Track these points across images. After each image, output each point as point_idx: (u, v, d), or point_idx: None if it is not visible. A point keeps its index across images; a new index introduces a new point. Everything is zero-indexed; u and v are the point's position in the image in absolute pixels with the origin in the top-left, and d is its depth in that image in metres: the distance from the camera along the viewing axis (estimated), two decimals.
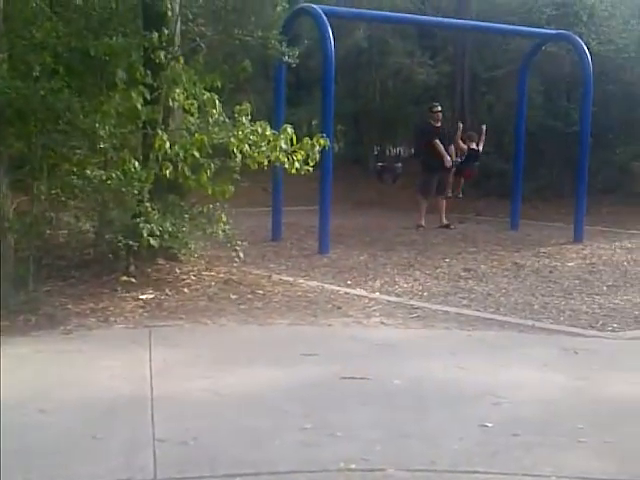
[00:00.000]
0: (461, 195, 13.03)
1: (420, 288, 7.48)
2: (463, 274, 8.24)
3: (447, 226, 11.84)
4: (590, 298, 7.16)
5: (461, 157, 12.55)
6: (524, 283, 7.84)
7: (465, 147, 12.54)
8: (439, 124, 12.00)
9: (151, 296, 6.43)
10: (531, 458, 3.49)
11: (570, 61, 13.96)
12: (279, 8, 8.18)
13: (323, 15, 9.22)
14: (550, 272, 8.48)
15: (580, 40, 11.51)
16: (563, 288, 7.61)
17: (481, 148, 12.72)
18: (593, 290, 7.53)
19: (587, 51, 11.14)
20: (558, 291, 7.46)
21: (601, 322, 6.27)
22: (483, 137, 12.79)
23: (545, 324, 6.17)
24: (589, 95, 11.04)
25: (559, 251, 9.88)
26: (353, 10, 11.82)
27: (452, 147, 12.09)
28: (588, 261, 9.24)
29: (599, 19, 15.52)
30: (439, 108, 12.15)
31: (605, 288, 7.65)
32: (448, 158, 11.76)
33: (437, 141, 11.76)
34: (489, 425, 3.85)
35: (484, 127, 12.95)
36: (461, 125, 12.99)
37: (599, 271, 8.58)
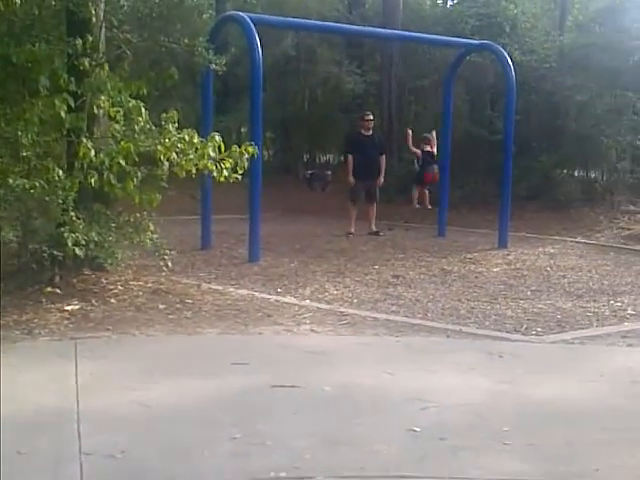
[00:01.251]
0: (430, 207, 12.91)
1: (350, 295, 7.54)
2: (392, 280, 8.33)
3: (376, 233, 11.95)
4: (515, 303, 7.33)
5: (418, 163, 12.45)
6: (451, 289, 7.98)
7: (419, 151, 12.47)
8: (370, 132, 12.11)
9: (77, 307, 6.31)
10: (458, 462, 3.56)
11: (494, 71, 14.29)
12: (206, 16, 8.20)
13: (250, 23, 9.19)
14: (476, 277, 8.65)
15: (503, 50, 11.78)
16: (489, 293, 7.77)
17: (435, 150, 12.71)
18: (517, 295, 7.71)
19: (510, 61, 11.40)
20: (484, 296, 7.61)
21: (525, 326, 6.43)
22: (435, 141, 12.81)
23: (471, 329, 6.29)
24: (512, 104, 11.31)
25: (485, 257, 10.09)
26: (281, 18, 11.81)
27: (383, 157, 12.14)
28: (513, 266, 9.45)
29: (521, 30, 15.92)
30: (370, 117, 12.25)
31: (529, 293, 7.84)
32: (352, 179, 11.83)
33: (349, 158, 11.91)
34: (417, 430, 3.90)
35: (434, 132, 13.00)
36: (410, 131, 12.95)
37: (523, 276, 8.78)
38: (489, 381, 4.81)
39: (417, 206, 12.16)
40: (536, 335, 6.17)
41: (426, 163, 12.48)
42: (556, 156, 14.92)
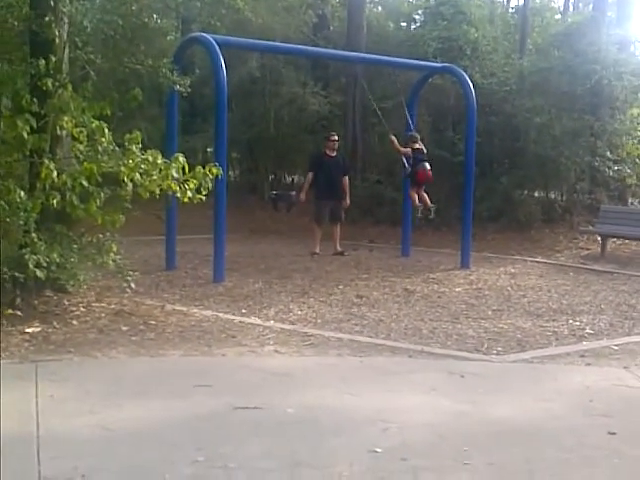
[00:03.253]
0: (432, 205, 11.58)
1: (314, 315, 7.56)
2: (356, 300, 8.38)
3: (341, 253, 12.01)
4: (476, 322, 7.42)
5: (408, 161, 11.64)
6: (414, 308, 8.05)
7: (409, 149, 11.46)
8: (335, 153, 12.21)
9: (38, 329, 6.25)
10: None
11: (455, 93, 14.49)
12: (170, 37, 8.18)
13: (215, 44, 9.24)
14: (439, 297, 8.74)
15: (464, 73, 11.98)
16: (451, 313, 7.85)
17: (424, 148, 11.63)
18: (479, 314, 7.80)
19: (471, 84, 11.59)
20: (446, 316, 7.69)
21: (486, 346, 6.51)
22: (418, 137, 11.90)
23: (433, 348, 6.35)
24: (473, 126, 11.48)
25: (447, 277, 10.19)
26: (246, 40, 11.86)
27: (347, 178, 12.21)
28: (474, 286, 9.56)
29: (482, 53, 16.20)
30: (335, 137, 12.35)
31: (490, 312, 7.94)
32: (304, 194, 12.03)
33: (310, 175, 12.11)
34: (379, 450, 3.94)
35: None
36: (393, 137, 12.05)
37: (485, 296, 8.89)
38: (450, 401, 4.86)
39: (419, 205, 11.41)
40: (497, 354, 6.25)
41: (418, 161, 11.57)
42: (517, 177, 15.14)
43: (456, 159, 13.90)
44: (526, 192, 15.94)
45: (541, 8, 24.61)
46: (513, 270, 11.00)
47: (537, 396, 5.08)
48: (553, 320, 7.61)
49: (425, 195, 11.61)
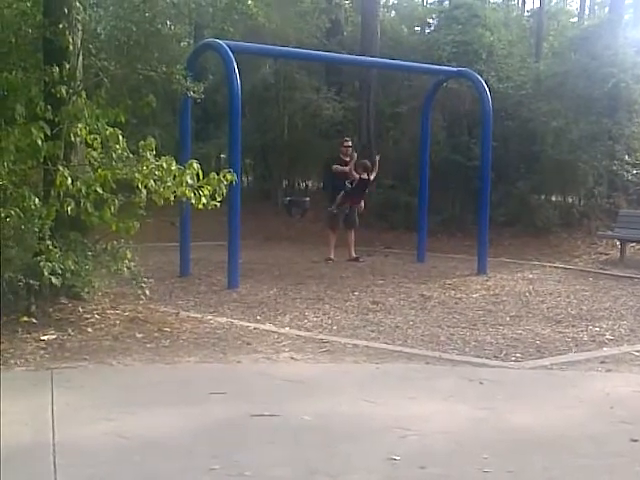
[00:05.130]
0: (336, 211, 12.18)
1: (329, 322, 7.51)
2: (372, 307, 8.32)
3: (356, 259, 11.96)
4: (494, 329, 7.34)
5: (351, 184, 12.26)
6: (431, 315, 7.97)
7: (357, 176, 12.22)
8: (349, 158, 12.17)
9: (53, 337, 6.24)
10: None
11: (471, 97, 14.42)
12: (183, 43, 8.18)
13: (228, 50, 9.23)
14: (455, 303, 8.66)
15: (480, 77, 11.91)
16: (468, 319, 7.78)
17: (372, 177, 12.25)
18: (497, 321, 7.72)
19: (486, 88, 11.53)
20: (463, 322, 7.62)
21: (505, 352, 6.43)
22: (376, 167, 12.55)
23: (451, 355, 6.28)
24: (489, 130, 11.41)
25: (464, 283, 10.11)
26: (259, 45, 11.84)
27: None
28: (492, 292, 9.47)
29: (498, 57, 16.13)
30: (349, 143, 12.34)
31: (508, 319, 7.85)
32: (339, 200, 11.89)
33: (336, 165, 11.98)
34: (397, 458, 3.88)
35: (378, 157, 12.79)
36: (355, 155, 12.68)
37: (502, 302, 8.80)
38: (469, 408, 4.80)
39: (334, 211, 12.12)
40: (515, 361, 6.17)
41: (358, 187, 12.21)
42: (533, 182, 15.05)
43: (472, 164, 13.84)
44: (543, 197, 15.85)
45: (557, 11, 24.57)
46: (531, 276, 10.91)
47: (557, 403, 5.01)
48: (572, 326, 7.51)
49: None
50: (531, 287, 9.90)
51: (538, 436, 4.34)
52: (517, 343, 6.75)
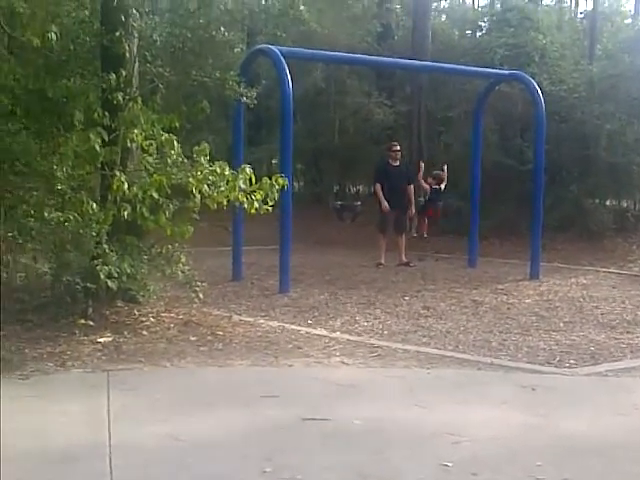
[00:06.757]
0: (426, 235, 13.11)
1: (380, 326, 7.51)
2: (423, 312, 8.29)
3: (407, 264, 11.92)
4: (547, 334, 7.25)
5: (424, 196, 12.69)
6: (482, 320, 7.92)
7: (427, 186, 12.62)
8: (397, 163, 12.15)
9: (109, 339, 6.36)
10: None
11: (523, 100, 14.27)
12: (237, 49, 8.27)
13: (280, 56, 9.32)
14: (508, 309, 8.58)
15: (532, 80, 11.80)
16: (520, 325, 7.70)
17: (443, 187, 12.79)
18: (550, 326, 7.63)
19: (539, 91, 11.41)
20: (516, 328, 7.54)
21: (558, 359, 6.35)
22: (444, 176, 12.88)
23: (503, 361, 6.23)
24: (542, 134, 11.29)
25: (516, 288, 10.01)
26: (310, 51, 11.91)
27: (411, 187, 12.18)
28: (545, 297, 9.36)
29: (550, 60, 15.94)
30: (398, 147, 12.32)
31: (562, 324, 7.75)
32: (385, 204, 11.78)
33: (378, 186, 11.96)
34: (449, 465, 3.86)
35: (445, 167, 13.02)
36: (422, 164, 12.99)
37: (555, 307, 8.70)
38: (522, 414, 4.76)
39: (414, 235, 12.47)
40: (569, 367, 6.10)
41: (432, 198, 12.69)
42: (587, 185, 14.82)
43: (524, 167, 13.67)
44: (597, 200, 15.60)
45: (610, 13, 24.17)
46: (585, 281, 10.75)
47: (612, 410, 4.94)
48: (628, 332, 7.39)
49: (425, 223, 13.06)
50: (585, 292, 9.76)
51: (593, 443, 4.28)
52: (571, 349, 6.66)
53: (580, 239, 14.19)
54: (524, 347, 6.74)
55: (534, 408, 4.92)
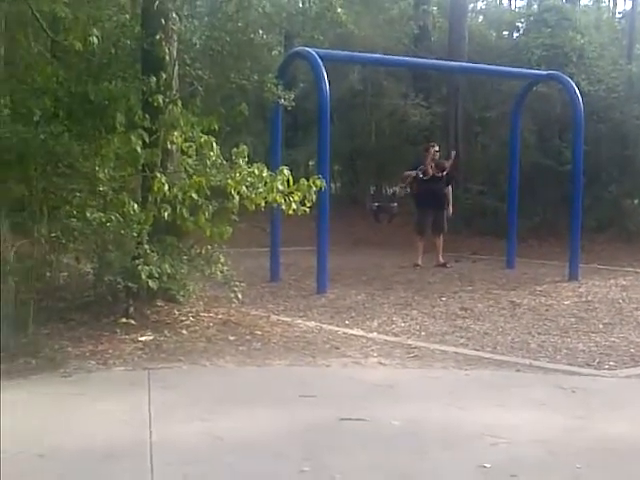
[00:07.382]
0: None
1: (417, 327, 7.51)
2: (460, 313, 8.27)
3: (444, 265, 11.89)
4: (586, 336, 7.19)
5: (423, 174, 12.34)
6: (520, 322, 7.87)
7: (430, 171, 12.18)
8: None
9: (150, 338, 6.45)
10: None
11: (561, 101, 14.15)
12: (275, 52, 8.32)
13: (318, 58, 9.36)
14: (546, 310, 8.52)
15: (570, 80, 11.71)
16: (559, 326, 7.64)
17: (444, 174, 12.20)
18: (589, 328, 7.56)
19: (577, 91, 11.31)
20: (554, 329, 7.49)
21: (598, 360, 6.30)
22: (450, 161, 12.54)
23: (542, 363, 6.19)
24: (581, 134, 11.19)
25: (555, 289, 9.93)
26: (347, 53, 11.94)
27: (449, 187, 12.11)
28: (584, 299, 9.28)
29: (589, 60, 15.78)
30: (436, 148, 12.30)
31: (601, 326, 7.68)
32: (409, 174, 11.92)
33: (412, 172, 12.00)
34: (488, 466, 3.86)
35: (454, 153, 12.92)
36: (454, 153, 12.90)
37: (595, 309, 8.61)
38: (561, 416, 4.73)
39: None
40: (609, 369, 6.04)
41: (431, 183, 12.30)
42: (626, 186, 14.67)
43: (563, 168, 13.56)
44: (636, 201, 15.41)
45: None
46: (624, 282, 10.62)
47: None
48: None
49: None
50: (624, 294, 9.65)
51: (634, 446, 4.25)
52: (610, 351, 6.60)
53: (619, 240, 14.04)
54: (563, 349, 6.69)
55: (573, 410, 4.89)
